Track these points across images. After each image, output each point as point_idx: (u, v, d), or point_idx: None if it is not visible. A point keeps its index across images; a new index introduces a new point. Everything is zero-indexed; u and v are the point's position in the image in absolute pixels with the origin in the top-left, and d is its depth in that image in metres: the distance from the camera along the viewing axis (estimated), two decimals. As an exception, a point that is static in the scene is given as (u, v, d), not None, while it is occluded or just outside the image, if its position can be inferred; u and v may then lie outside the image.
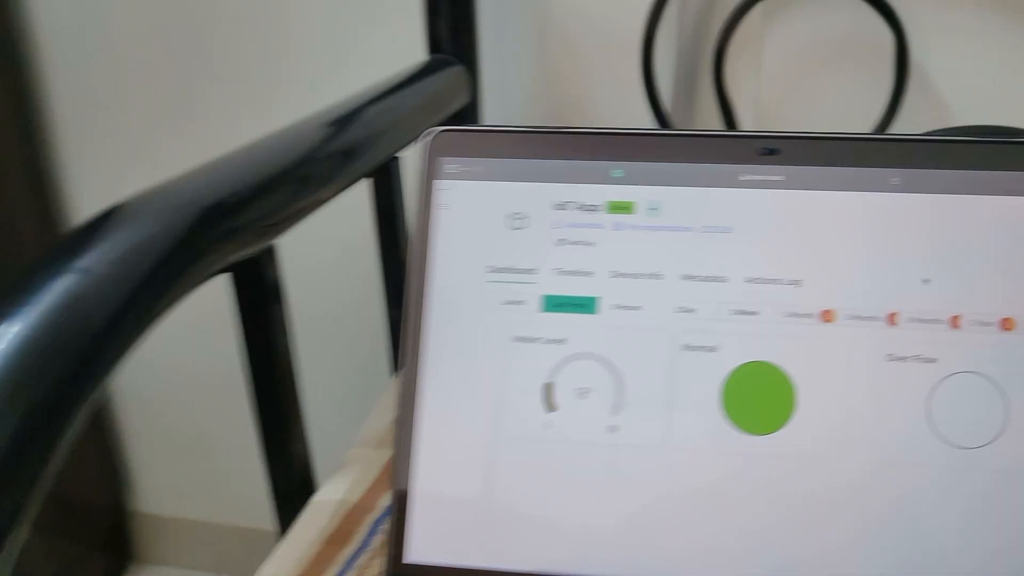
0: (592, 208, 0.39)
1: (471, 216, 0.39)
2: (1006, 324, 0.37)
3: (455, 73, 0.74)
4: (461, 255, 0.39)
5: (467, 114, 0.77)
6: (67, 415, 0.32)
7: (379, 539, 0.45)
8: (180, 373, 1.16)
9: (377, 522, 0.46)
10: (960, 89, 0.76)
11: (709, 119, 0.81)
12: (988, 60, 0.74)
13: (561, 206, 0.39)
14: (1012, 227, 0.37)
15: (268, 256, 0.48)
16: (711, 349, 0.38)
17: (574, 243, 0.39)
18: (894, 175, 0.38)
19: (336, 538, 0.45)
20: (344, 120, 0.56)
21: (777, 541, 0.37)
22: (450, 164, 0.39)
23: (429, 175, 0.40)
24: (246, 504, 1.22)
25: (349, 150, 0.55)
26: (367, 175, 0.60)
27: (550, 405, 0.39)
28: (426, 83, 0.68)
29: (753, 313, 0.38)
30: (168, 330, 0.50)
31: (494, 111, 0.86)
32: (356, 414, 0.66)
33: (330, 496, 0.49)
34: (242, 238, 0.44)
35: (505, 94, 0.87)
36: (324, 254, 1.01)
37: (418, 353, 0.39)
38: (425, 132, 0.40)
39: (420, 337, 0.39)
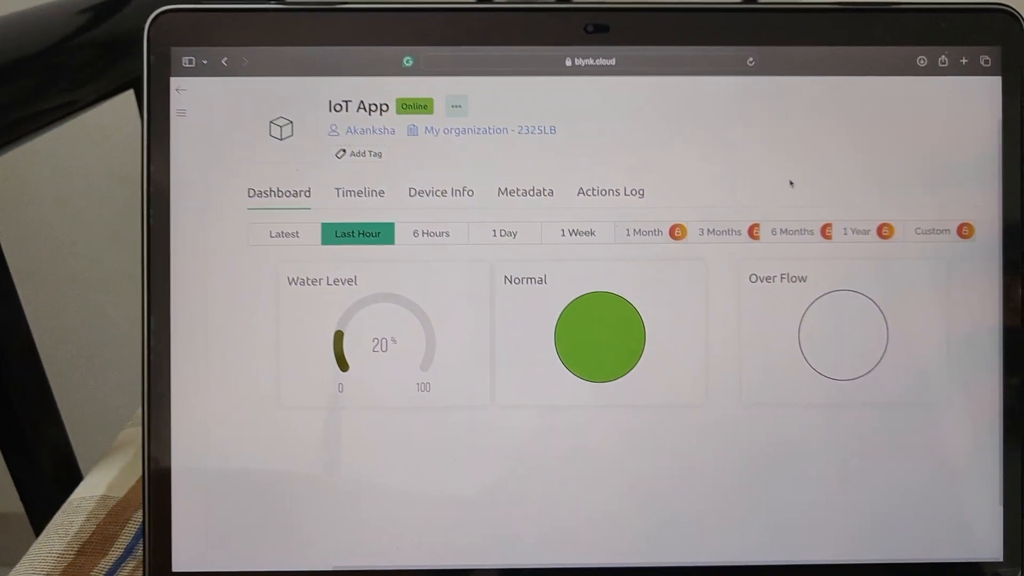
0: (378, 108, 0.30)
1: (220, 124, 0.30)
2: (884, 231, 0.30)
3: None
4: (211, 177, 0.30)
5: None
6: None
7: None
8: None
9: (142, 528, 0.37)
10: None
11: None
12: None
13: (338, 107, 0.30)
14: (889, 113, 0.30)
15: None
16: (539, 281, 0.30)
17: (358, 154, 0.30)
18: (749, 54, 0.30)
19: (93, 545, 0.36)
20: (106, 6, 0.45)
21: (630, 507, 0.30)
22: (187, 56, 0.30)
23: (158, 72, 0.30)
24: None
25: (110, 42, 0.44)
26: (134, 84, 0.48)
27: (342, 363, 0.30)
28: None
29: (588, 233, 0.30)
30: None
31: None
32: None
33: (89, 492, 0.39)
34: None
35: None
36: (82, 187, 0.89)
37: (166, 309, 0.30)
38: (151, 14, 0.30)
39: (167, 288, 0.30)
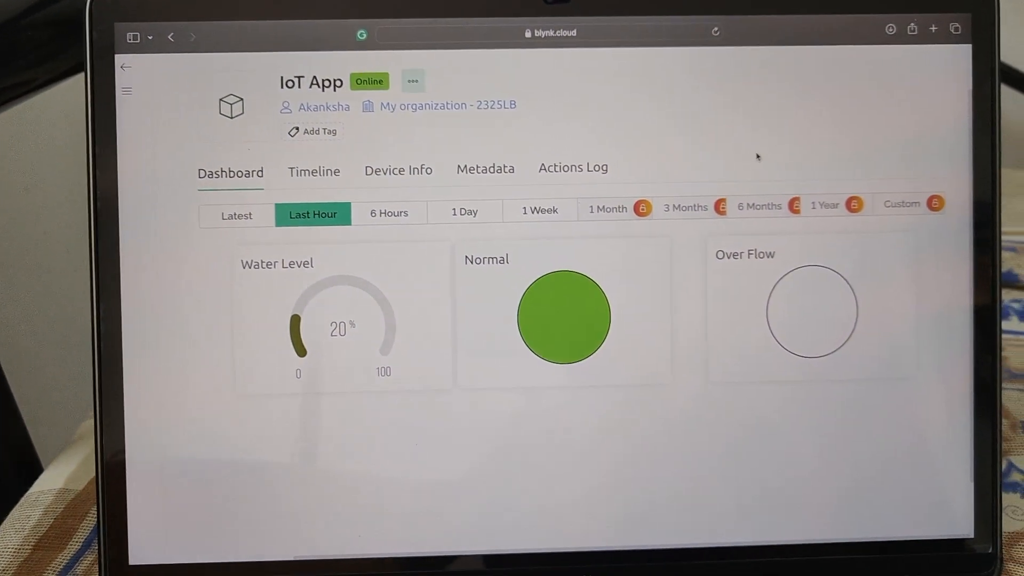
0: (332, 84, 0.29)
1: (167, 102, 0.29)
2: (853, 205, 0.30)
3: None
4: (159, 157, 0.29)
5: None
6: None
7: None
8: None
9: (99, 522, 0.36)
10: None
11: None
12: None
13: (290, 83, 0.29)
14: (858, 83, 0.30)
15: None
16: (501, 260, 0.30)
17: (312, 132, 0.29)
18: (714, 24, 0.30)
19: (50, 540, 0.35)
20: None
21: (597, 490, 0.30)
22: (131, 31, 0.29)
23: (101, 48, 0.28)
24: None
25: (64, 20, 0.43)
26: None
27: (299, 348, 0.30)
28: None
29: (551, 211, 0.30)
30: None
31: None
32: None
33: (47, 486, 0.38)
34: None
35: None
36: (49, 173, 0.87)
37: (116, 296, 0.29)
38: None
39: (117, 275, 0.29)
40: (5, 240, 0.93)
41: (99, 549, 0.30)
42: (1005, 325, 0.44)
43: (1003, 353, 0.33)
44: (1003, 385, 0.30)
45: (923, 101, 0.30)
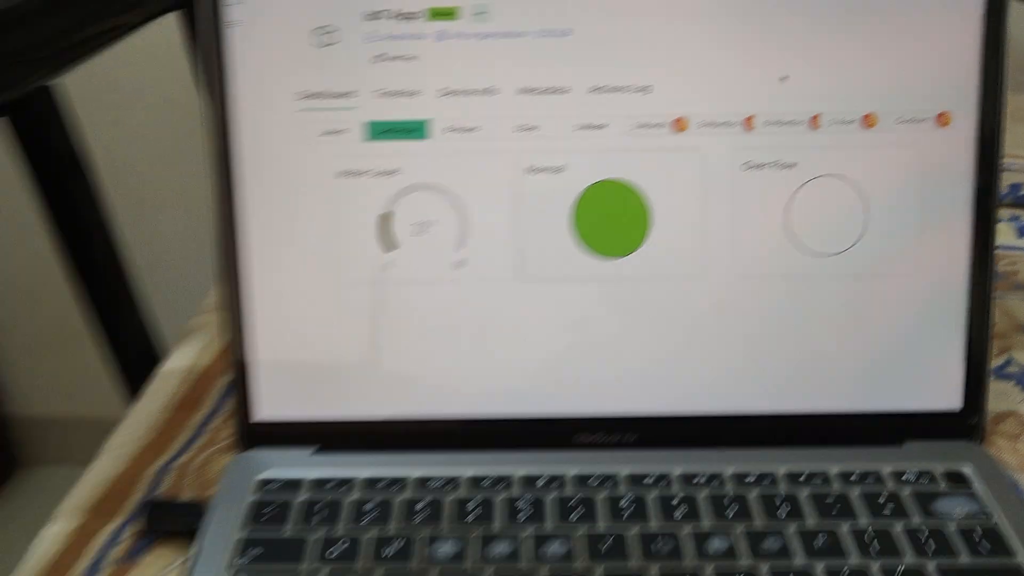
0: (410, 16, 0.34)
1: (269, 33, 0.34)
2: (867, 121, 0.34)
3: None
4: (264, 82, 0.34)
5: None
6: None
7: (231, 402, 0.41)
8: (34, 268, 1.09)
9: (229, 386, 0.43)
10: None
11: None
12: None
13: (374, 15, 0.34)
14: (875, 7, 0.33)
15: (44, 99, 0.41)
16: (557, 170, 0.35)
17: (394, 59, 0.34)
18: (748, -42, 0.33)
19: (186, 404, 0.42)
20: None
21: (643, 368, 0.35)
22: (242, -27, 0.34)
23: (218, -12, 0.34)
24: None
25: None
26: (177, 5, 0.52)
27: (388, 244, 0.35)
28: None
29: (600, 127, 0.34)
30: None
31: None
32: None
33: (177, 364, 0.45)
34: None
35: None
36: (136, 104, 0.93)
37: (232, 201, 0.35)
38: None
39: (230, 189, 0.35)
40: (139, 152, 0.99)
41: (236, 407, 0.36)
42: (1016, 241, 0.47)
43: (1013, 268, 0.36)
44: (1010, 294, 0.34)
45: (936, 22, 0.33)
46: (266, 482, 0.34)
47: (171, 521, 0.34)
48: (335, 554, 0.31)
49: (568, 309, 0.35)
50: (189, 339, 0.47)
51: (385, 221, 0.35)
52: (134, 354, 0.47)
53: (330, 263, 0.35)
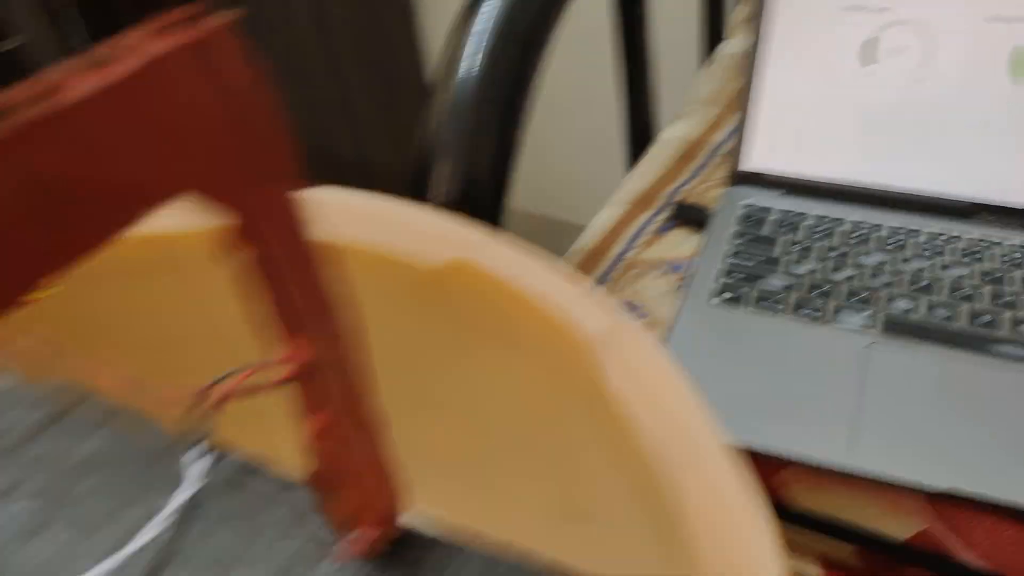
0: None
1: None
2: None
3: None
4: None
5: None
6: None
7: (717, 160, 0.60)
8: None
9: (715, 148, 0.61)
10: None
11: None
12: None
13: None
14: None
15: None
16: (1008, 21, 0.48)
17: (908, -71, 0.49)
18: None
19: (685, 157, 0.62)
20: None
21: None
22: None
23: None
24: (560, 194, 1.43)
25: None
26: None
27: (870, 59, 0.51)
28: None
29: (1053, -6, 0.47)
30: None
31: None
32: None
33: (674, 134, 0.64)
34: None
35: None
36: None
37: (762, 15, 0.52)
38: None
39: (764, 3, 0.52)
40: None
41: (733, 154, 0.55)
42: None
43: None
44: None
45: None
46: (749, 205, 0.53)
47: (690, 214, 0.54)
48: (794, 252, 0.49)
49: (998, 118, 0.49)
50: (681, 119, 0.67)
51: (870, 44, 0.51)
52: (641, 124, 0.68)
53: (822, 68, 0.52)
